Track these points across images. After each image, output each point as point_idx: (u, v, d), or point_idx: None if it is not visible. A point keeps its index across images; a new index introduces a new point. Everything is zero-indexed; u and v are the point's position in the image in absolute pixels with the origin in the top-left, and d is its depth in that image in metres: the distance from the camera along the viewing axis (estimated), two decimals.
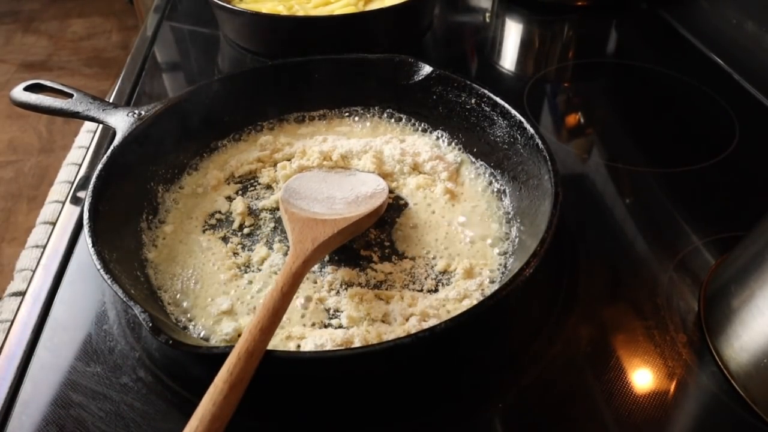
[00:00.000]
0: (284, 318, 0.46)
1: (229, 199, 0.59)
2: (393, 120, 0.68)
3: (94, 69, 2.70)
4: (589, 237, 0.55)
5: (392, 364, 0.44)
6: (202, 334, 0.46)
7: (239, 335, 0.45)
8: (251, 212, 0.58)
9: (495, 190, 0.59)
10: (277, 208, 0.58)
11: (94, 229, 0.46)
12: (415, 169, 0.62)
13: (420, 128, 0.67)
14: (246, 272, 0.52)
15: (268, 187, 0.61)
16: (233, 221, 0.57)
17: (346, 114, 0.69)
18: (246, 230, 0.56)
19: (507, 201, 0.57)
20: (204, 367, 0.45)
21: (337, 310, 0.48)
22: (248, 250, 0.54)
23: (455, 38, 0.97)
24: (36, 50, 2.84)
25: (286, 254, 0.53)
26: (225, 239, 0.55)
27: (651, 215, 0.58)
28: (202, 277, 0.51)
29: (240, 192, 0.60)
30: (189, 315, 0.48)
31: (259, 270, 0.52)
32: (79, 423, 0.41)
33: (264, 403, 0.43)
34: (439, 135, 0.65)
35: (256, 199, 0.60)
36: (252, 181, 0.62)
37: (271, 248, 0.54)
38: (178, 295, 0.49)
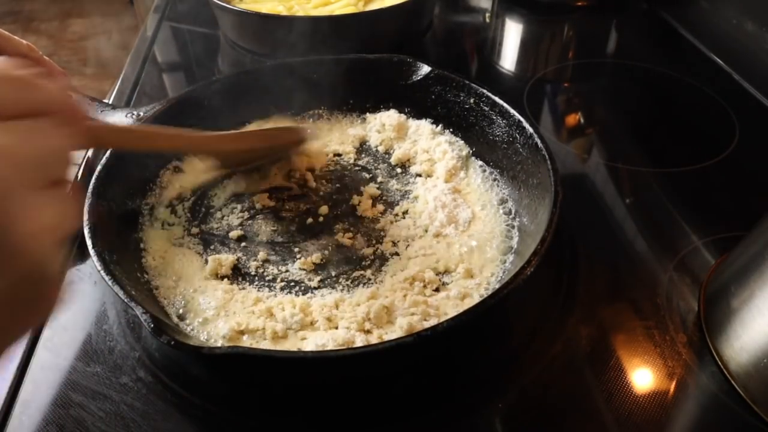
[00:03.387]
0: (283, 317, 0.46)
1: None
2: (392, 120, 0.68)
3: (94, 69, 2.70)
4: (589, 237, 0.55)
5: (393, 364, 0.44)
6: (201, 334, 0.46)
7: (239, 334, 0.46)
8: (251, 216, 0.58)
9: (495, 189, 0.59)
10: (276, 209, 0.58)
11: (94, 230, 0.46)
12: (415, 169, 0.62)
13: (419, 128, 0.67)
14: (244, 272, 0.52)
15: None
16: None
17: (346, 114, 0.69)
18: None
19: (507, 200, 0.57)
20: (204, 367, 0.45)
21: (337, 310, 0.48)
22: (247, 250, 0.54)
23: (455, 38, 0.96)
24: None
25: (284, 258, 0.53)
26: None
27: (651, 215, 0.58)
28: (201, 277, 0.51)
29: None
30: (188, 315, 0.48)
31: (258, 270, 0.52)
32: (79, 423, 0.41)
33: (264, 403, 0.43)
34: (439, 135, 0.65)
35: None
36: None
37: (269, 248, 0.54)
38: (177, 296, 0.49)
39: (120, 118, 0.57)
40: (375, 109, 0.68)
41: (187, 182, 0.60)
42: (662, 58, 0.85)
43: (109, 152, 0.53)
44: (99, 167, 0.51)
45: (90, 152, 0.69)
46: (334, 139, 0.67)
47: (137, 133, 0.40)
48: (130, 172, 0.54)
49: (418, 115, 0.66)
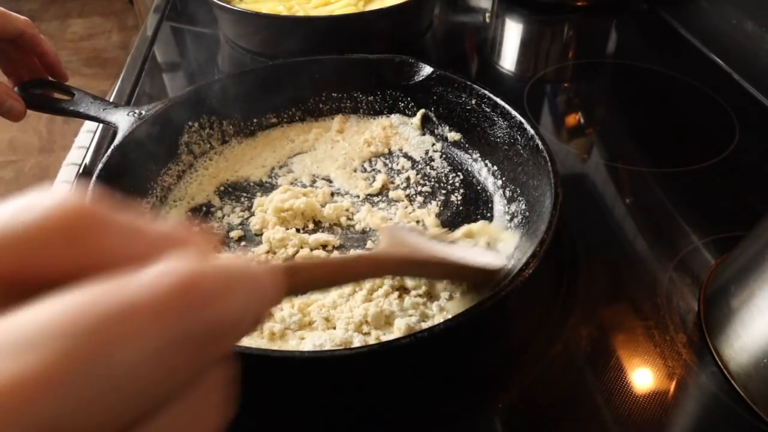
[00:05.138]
0: (282, 317, 0.46)
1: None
2: (393, 120, 0.68)
3: (94, 69, 2.70)
4: (589, 237, 0.55)
5: (391, 364, 0.44)
6: None
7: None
8: (251, 215, 0.58)
9: (495, 190, 0.59)
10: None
11: None
12: (414, 168, 0.62)
13: (419, 128, 0.67)
14: None
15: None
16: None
17: (347, 114, 0.69)
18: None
19: (507, 201, 0.57)
20: None
21: (335, 310, 0.48)
22: (248, 251, 0.54)
23: (455, 38, 0.97)
24: None
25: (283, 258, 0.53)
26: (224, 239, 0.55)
27: (651, 215, 0.58)
28: None
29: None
30: None
31: None
32: None
33: (264, 403, 0.43)
34: (439, 135, 0.65)
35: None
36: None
37: (271, 249, 0.54)
38: None
39: (122, 117, 0.57)
40: (377, 112, 0.68)
41: (187, 182, 0.60)
42: (662, 58, 0.85)
43: (110, 150, 0.53)
44: (100, 166, 0.51)
45: (91, 151, 0.69)
46: (334, 139, 0.67)
47: (328, 269, 0.29)
48: (131, 171, 0.54)
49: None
